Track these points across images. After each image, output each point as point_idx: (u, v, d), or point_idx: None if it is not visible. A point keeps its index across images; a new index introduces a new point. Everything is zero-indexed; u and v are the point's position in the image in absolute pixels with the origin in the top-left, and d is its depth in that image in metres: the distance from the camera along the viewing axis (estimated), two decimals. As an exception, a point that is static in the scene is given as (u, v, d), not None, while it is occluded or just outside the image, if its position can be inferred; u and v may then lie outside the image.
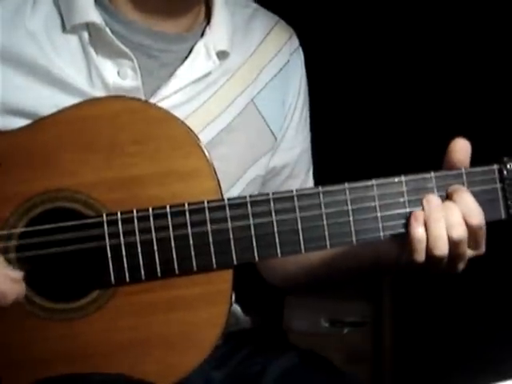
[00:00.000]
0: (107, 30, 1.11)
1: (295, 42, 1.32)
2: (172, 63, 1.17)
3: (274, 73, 1.26)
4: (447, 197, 1.03)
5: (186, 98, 1.16)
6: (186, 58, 1.17)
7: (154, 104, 1.11)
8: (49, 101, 1.09)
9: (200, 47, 1.17)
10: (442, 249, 1.01)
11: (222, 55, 1.19)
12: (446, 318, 2.22)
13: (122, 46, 1.12)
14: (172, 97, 1.15)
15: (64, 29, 1.13)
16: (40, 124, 1.07)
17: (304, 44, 1.33)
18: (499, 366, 1.13)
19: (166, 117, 1.07)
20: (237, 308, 1.30)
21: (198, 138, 1.07)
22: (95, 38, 1.12)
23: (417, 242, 1.01)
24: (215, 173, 1.06)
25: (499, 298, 2.12)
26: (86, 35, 1.12)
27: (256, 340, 1.27)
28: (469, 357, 2.14)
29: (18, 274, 1.01)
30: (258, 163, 1.25)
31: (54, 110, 1.08)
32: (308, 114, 1.34)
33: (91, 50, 1.12)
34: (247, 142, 1.22)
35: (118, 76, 1.12)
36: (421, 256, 1.01)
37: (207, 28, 1.19)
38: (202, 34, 1.19)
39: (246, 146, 1.22)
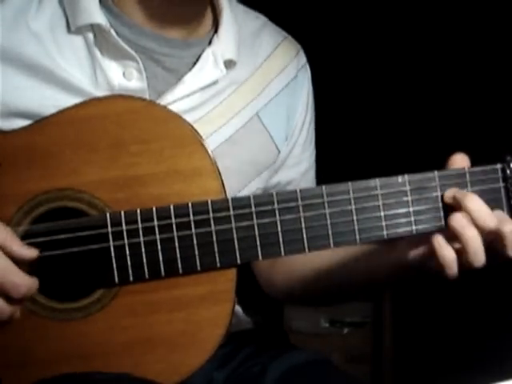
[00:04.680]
0: (112, 31, 1.11)
1: (302, 58, 1.32)
2: (176, 69, 1.16)
3: (281, 88, 1.26)
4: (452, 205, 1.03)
5: (191, 106, 1.15)
6: (194, 64, 1.17)
7: (158, 103, 1.11)
8: (52, 101, 1.09)
9: (208, 55, 1.17)
10: (481, 260, 1.01)
11: (229, 64, 1.19)
12: (445, 318, 2.23)
13: (127, 48, 1.12)
14: (177, 103, 1.14)
15: (69, 29, 1.13)
16: (43, 124, 1.07)
17: (308, 48, 1.33)
18: (499, 365, 1.13)
19: (170, 116, 1.07)
20: (238, 308, 1.29)
21: (202, 137, 1.07)
22: (100, 40, 1.12)
23: (449, 262, 1.01)
24: (219, 172, 1.06)
25: (499, 298, 2.13)
26: (90, 36, 1.12)
27: (257, 340, 1.27)
28: (468, 357, 2.14)
29: (32, 252, 1.01)
30: (260, 177, 1.24)
31: (56, 110, 1.07)
32: (313, 130, 1.34)
33: (96, 51, 1.12)
34: (250, 155, 1.22)
35: (123, 77, 1.12)
36: (454, 271, 1.01)
37: (215, 36, 1.19)
38: (210, 43, 1.19)
39: (249, 159, 1.22)
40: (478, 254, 1.00)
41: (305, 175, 1.32)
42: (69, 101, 1.08)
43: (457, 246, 1.01)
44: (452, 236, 1.01)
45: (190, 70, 1.16)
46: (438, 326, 2.26)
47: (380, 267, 1.13)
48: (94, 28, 1.12)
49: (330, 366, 1.19)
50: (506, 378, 0.85)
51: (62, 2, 1.14)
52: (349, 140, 2.31)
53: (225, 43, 1.19)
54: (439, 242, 1.01)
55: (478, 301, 2.19)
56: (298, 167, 1.30)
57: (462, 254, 1.01)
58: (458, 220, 1.00)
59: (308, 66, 1.33)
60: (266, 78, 1.25)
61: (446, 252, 1.01)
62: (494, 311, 2.19)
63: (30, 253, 1.01)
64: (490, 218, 1.00)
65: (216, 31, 1.20)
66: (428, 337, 2.28)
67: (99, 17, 1.11)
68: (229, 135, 1.19)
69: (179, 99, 1.14)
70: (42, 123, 1.07)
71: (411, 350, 2.27)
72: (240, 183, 1.20)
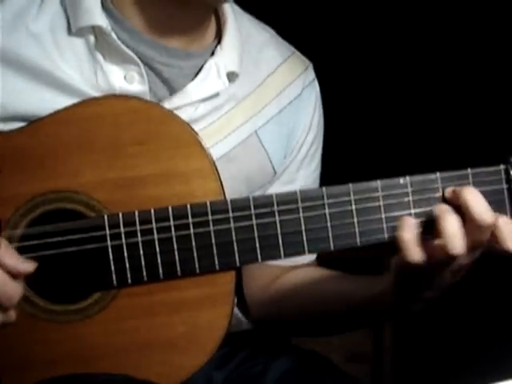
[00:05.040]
0: (113, 34, 1.09)
1: (310, 74, 1.28)
2: (174, 79, 1.14)
3: (283, 105, 1.23)
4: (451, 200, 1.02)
5: (190, 119, 1.12)
6: (196, 75, 1.14)
7: (156, 103, 1.10)
8: (51, 104, 1.07)
9: (211, 66, 1.15)
10: (458, 246, 0.97)
11: (231, 76, 1.16)
12: (445, 318, 2.22)
13: (128, 51, 1.10)
14: (175, 112, 1.11)
15: (70, 31, 1.11)
16: (40, 124, 1.06)
17: (311, 52, 1.29)
18: (499, 365, 1.13)
19: (168, 117, 1.06)
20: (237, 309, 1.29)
21: (201, 138, 1.06)
22: (101, 42, 1.11)
23: (403, 243, 0.99)
24: (218, 173, 1.05)
25: (499, 298, 2.13)
26: (92, 39, 1.10)
27: (257, 341, 1.27)
28: (468, 357, 2.14)
29: (29, 266, 0.99)
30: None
31: None
32: (319, 149, 1.31)
33: (98, 54, 1.10)
34: (245, 173, 1.19)
35: (124, 80, 1.11)
36: (416, 255, 0.99)
37: (218, 47, 1.17)
38: (212, 54, 1.17)
39: (244, 177, 1.19)
40: (454, 238, 0.97)
41: None
42: (68, 103, 1.07)
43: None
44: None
45: (193, 79, 1.14)
46: (438, 325, 2.25)
47: (375, 289, 1.12)
48: (96, 30, 1.10)
49: (330, 366, 1.19)
50: (506, 378, 0.85)
51: (63, 3, 1.12)
52: (351, 141, 2.30)
53: (228, 55, 1.16)
54: (399, 222, 1.00)
55: (478, 301, 2.19)
56: (292, 184, 1.27)
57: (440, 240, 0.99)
58: (440, 206, 0.99)
59: (316, 83, 1.29)
60: (268, 95, 1.22)
61: (405, 233, 0.99)
62: (493, 311, 2.19)
63: (26, 267, 0.99)
64: (486, 210, 0.99)
65: (219, 42, 1.18)
66: (428, 337, 2.28)
67: (101, 19, 1.09)
68: (225, 152, 1.16)
69: (177, 109, 1.11)
70: (38, 124, 1.06)
71: (411, 349, 2.27)
72: None
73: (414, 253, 0.99)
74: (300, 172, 1.28)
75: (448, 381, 2.06)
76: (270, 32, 1.27)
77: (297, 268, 1.27)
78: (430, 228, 1.00)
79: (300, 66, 1.27)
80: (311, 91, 1.28)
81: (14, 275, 0.98)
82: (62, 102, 1.07)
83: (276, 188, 1.25)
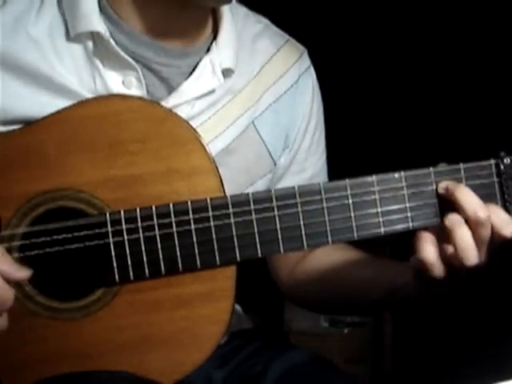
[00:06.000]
0: (111, 40, 1.10)
1: (306, 61, 1.28)
2: (173, 78, 1.15)
3: (279, 94, 1.23)
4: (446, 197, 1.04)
5: (188, 116, 1.13)
6: (191, 73, 1.15)
7: (155, 102, 1.10)
8: (50, 108, 1.07)
9: (206, 63, 1.15)
10: (472, 257, 1.00)
11: (227, 73, 1.17)
12: (445, 317, 2.22)
13: (127, 58, 1.10)
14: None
15: (68, 36, 1.11)
16: (40, 124, 1.07)
17: (309, 46, 1.30)
18: (499, 365, 1.13)
19: (167, 115, 1.07)
20: (238, 308, 1.29)
21: (200, 136, 1.07)
22: (100, 47, 1.11)
23: (427, 263, 1.01)
24: (217, 170, 1.06)
25: (499, 297, 2.12)
26: (90, 44, 1.11)
27: (257, 340, 1.27)
28: (469, 357, 2.13)
29: (24, 274, 1.00)
30: (253, 186, 1.22)
31: None
32: (322, 134, 1.31)
33: (96, 59, 1.11)
34: (244, 165, 1.20)
35: (122, 85, 1.11)
36: (439, 271, 1.01)
37: (214, 44, 1.17)
38: (208, 50, 1.17)
39: (243, 169, 1.20)
40: (468, 250, 1.00)
41: (312, 181, 1.26)
42: None
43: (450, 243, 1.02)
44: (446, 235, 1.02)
45: (187, 79, 1.14)
46: (438, 325, 2.25)
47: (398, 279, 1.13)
48: (94, 36, 1.11)
49: (330, 366, 1.19)
50: (506, 378, 0.86)
51: (61, 8, 1.12)
52: (347, 138, 2.30)
53: (223, 51, 1.16)
54: (420, 241, 1.02)
55: (478, 301, 2.19)
56: (302, 174, 1.28)
57: (454, 251, 1.01)
58: (451, 218, 1.01)
59: (312, 69, 1.29)
60: (264, 85, 1.22)
61: (425, 253, 1.01)
62: (493, 311, 2.18)
63: (22, 274, 1.00)
64: (479, 207, 1.00)
65: (215, 38, 1.18)
66: (428, 337, 2.26)
67: (99, 24, 1.10)
68: (225, 145, 1.17)
69: (174, 108, 1.11)
70: (38, 123, 1.07)
71: (411, 349, 2.26)
72: (233, 192, 1.14)
73: (438, 269, 1.02)
74: (309, 160, 1.29)
75: (448, 381, 2.05)
76: (264, 22, 1.27)
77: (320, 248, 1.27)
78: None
79: (295, 53, 1.27)
80: (308, 78, 1.28)
81: (7, 281, 0.98)
82: (61, 105, 1.08)
83: (288, 179, 1.27)
